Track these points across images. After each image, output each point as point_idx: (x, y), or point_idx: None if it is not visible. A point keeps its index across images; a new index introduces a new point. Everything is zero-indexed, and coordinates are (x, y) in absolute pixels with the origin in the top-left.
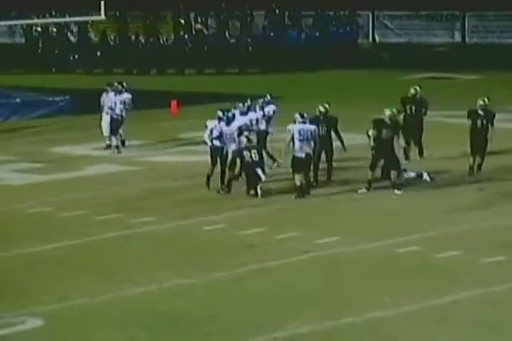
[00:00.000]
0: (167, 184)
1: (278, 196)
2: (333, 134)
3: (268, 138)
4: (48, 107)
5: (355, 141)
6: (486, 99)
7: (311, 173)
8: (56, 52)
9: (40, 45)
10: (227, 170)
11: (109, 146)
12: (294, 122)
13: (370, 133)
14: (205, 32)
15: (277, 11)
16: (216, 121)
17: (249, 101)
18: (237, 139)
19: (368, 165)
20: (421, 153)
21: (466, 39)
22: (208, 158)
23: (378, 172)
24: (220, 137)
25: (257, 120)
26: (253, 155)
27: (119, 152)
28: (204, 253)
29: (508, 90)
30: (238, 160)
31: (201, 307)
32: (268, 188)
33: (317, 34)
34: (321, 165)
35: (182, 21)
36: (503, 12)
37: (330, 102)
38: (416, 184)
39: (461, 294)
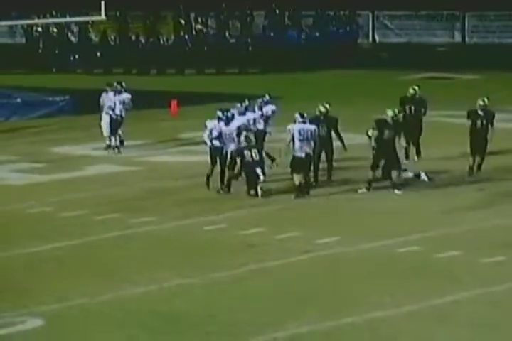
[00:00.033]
0: (167, 184)
1: (278, 196)
2: (333, 134)
3: (266, 138)
4: (48, 107)
5: (355, 140)
6: (485, 99)
7: (311, 173)
8: (56, 52)
9: (41, 45)
10: (226, 170)
11: (109, 146)
12: (294, 122)
13: (370, 133)
14: (205, 32)
15: (277, 11)
16: (216, 121)
17: (247, 102)
18: (236, 139)
19: (369, 165)
20: (418, 153)
21: (466, 39)
22: (208, 158)
23: (379, 172)
24: (219, 137)
25: (255, 120)
26: (253, 155)
27: (119, 152)
28: (204, 253)
29: (507, 90)
30: (238, 160)
31: (201, 307)
32: (268, 188)
33: (317, 34)
34: (321, 165)
35: (182, 21)
36: (503, 12)
37: (330, 102)
38: (416, 184)
39: (461, 294)
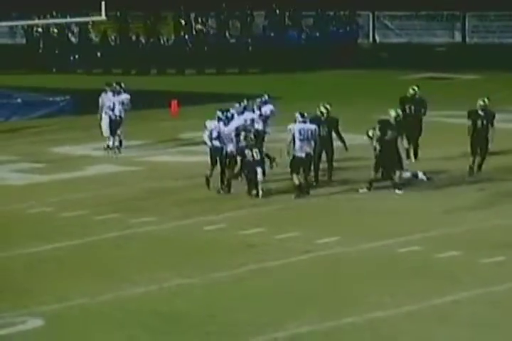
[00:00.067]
0: (167, 184)
1: (278, 196)
2: (333, 134)
3: (266, 138)
4: (48, 107)
5: (356, 140)
6: (486, 100)
7: (312, 173)
8: (57, 52)
9: (41, 46)
10: (226, 170)
11: (108, 147)
12: (295, 122)
13: (371, 133)
14: (206, 32)
15: (277, 11)
16: (216, 122)
17: (245, 101)
18: (234, 139)
19: (369, 165)
20: (416, 154)
21: (467, 39)
22: (208, 159)
23: (372, 172)
24: (219, 137)
25: (253, 120)
26: (254, 154)
27: (119, 152)
28: (204, 253)
29: (508, 90)
30: (238, 159)
31: (201, 307)
32: (268, 188)
33: (317, 34)
34: (321, 165)
35: (182, 21)
36: (503, 12)
37: (331, 103)
38: (416, 184)
39: (462, 294)
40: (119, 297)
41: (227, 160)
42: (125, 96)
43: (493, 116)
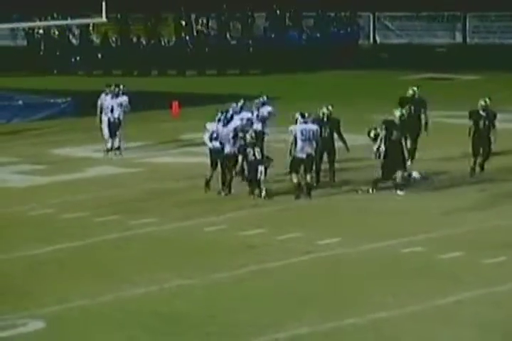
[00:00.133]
0: (168, 185)
1: (279, 197)
2: (335, 135)
3: (265, 139)
4: (49, 109)
5: (357, 141)
6: (487, 100)
7: (313, 174)
8: (58, 54)
9: (42, 48)
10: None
11: (108, 149)
12: (296, 122)
13: (372, 134)
14: (206, 33)
15: (278, 12)
16: (216, 123)
17: (242, 101)
18: (231, 140)
19: (371, 166)
20: (412, 157)
21: (467, 40)
22: (208, 161)
23: (379, 172)
24: (218, 138)
25: (249, 120)
26: (256, 154)
27: (120, 154)
28: (204, 254)
29: (508, 91)
30: (240, 158)
31: (202, 308)
32: (269, 189)
33: (318, 35)
34: (322, 166)
35: (183, 23)
36: (504, 12)
37: (333, 104)
38: (417, 185)
39: (464, 294)
40: (119, 298)
41: (227, 161)
42: (124, 99)
43: (495, 116)
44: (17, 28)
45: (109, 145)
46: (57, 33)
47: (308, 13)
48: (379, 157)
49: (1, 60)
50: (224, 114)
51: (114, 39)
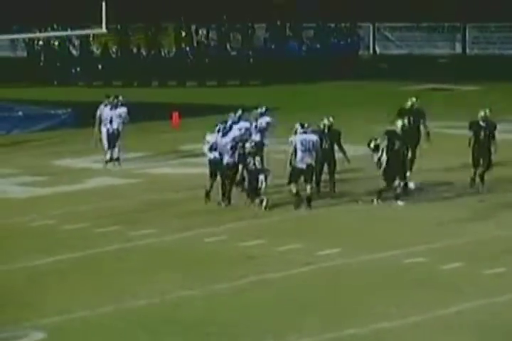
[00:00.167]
0: (167, 196)
1: (279, 207)
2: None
3: (264, 149)
4: (50, 120)
5: (357, 152)
6: (487, 111)
7: (314, 184)
8: (58, 65)
9: (42, 59)
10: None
11: (107, 161)
12: (295, 133)
13: (373, 145)
14: (207, 44)
15: (278, 23)
16: (216, 134)
17: (240, 111)
18: (229, 151)
19: (371, 177)
20: (411, 168)
21: (467, 50)
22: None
23: (383, 183)
24: (217, 148)
25: (247, 130)
26: (257, 163)
27: (118, 165)
28: (204, 265)
29: (508, 101)
30: (240, 168)
31: (202, 318)
32: (269, 199)
33: (318, 46)
34: (323, 177)
35: (183, 33)
36: (503, 23)
37: (334, 116)
38: (417, 195)
39: (465, 305)
40: (120, 309)
41: (228, 171)
42: (123, 110)
43: (495, 127)
44: (17, 39)
45: (108, 156)
46: (57, 43)
47: (309, 24)
48: (380, 167)
49: (1, 71)
50: (223, 124)
51: (114, 50)
